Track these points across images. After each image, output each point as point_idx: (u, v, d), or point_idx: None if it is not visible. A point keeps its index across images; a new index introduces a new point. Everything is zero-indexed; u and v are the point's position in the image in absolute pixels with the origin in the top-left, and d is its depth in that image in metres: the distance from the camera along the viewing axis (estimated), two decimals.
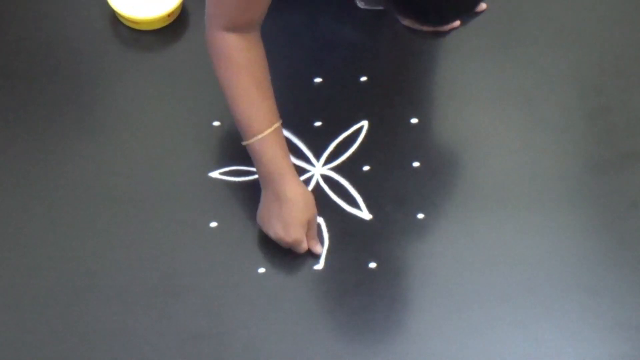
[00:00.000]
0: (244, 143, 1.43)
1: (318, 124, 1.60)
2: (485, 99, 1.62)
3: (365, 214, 1.53)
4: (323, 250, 1.49)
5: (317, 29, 1.67)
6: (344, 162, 1.57)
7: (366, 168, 1.56)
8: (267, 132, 1.41)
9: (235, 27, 1.38)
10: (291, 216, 1.43)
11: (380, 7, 1.65)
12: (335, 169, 1.56)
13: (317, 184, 1.55)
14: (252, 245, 1.50)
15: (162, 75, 1.64)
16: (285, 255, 1.49)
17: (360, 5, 1.67)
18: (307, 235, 1.47)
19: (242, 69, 1.40)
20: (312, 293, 1.47)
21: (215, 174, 1.55)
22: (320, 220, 1.51)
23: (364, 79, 1.63)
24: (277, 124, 1.42)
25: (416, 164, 1.56)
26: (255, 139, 1.41)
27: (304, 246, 1.47)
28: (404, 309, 1.46)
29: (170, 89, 1.63)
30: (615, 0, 1.72)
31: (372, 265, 1.48)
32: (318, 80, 1.64)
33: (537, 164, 1.57)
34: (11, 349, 1.42)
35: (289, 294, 1.47)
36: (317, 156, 1.57)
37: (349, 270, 1.48)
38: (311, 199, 1.46)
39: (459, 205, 1.53)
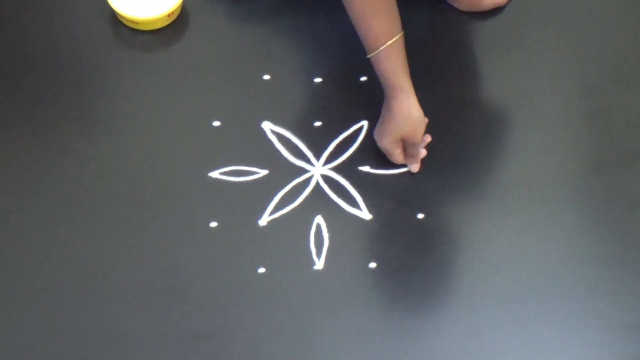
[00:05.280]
0: (368, 56, 1.48)
1: (318, 124, 1.60)
2: (485, 99, 1.62)
3: (365, 214, 1.53)
4: (323, 248, 1.50)
5: (317, 29, 1.67)
6: (344, 162, 1.57)
7: (366, 168, 1.56)
8: (388, 44, 1.46)
9: None
10: (388, 127, 1.51)
11: None
12: (335, 169, 1.56)
13: (317, 184, 1.55)
14: (252, 245, 1.50)
15: (162, 75, 1.64)
16: (285, 255, 1.49)
17: None
18: (406, 153, 1.53)
19: None
20: (312, 293, 1.47)
21: (215, 174, 1.55)
22: (320, 220, 1.51)
23: (364, 79, 1.63)
24: (398, 36, 1.47)
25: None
26: (377, 51, 1.46)
27: (394, 158, 1.54)
28: (403, 309, 1.46)
29: (170, 89, 1.62)
30: (615, 0, 1.72)
31: (372, 265, 1.48)
32: (318, 80, 1.63)
33: (537, 164, 1.57)
34: (11, 349, 1.42)
35: (289, 294, 1.47)
36: (317, 156, 1.57)
37: (349, 270, 1.48)
38: (413, 118, 1.50)
39: (459, 205, 1.53)
